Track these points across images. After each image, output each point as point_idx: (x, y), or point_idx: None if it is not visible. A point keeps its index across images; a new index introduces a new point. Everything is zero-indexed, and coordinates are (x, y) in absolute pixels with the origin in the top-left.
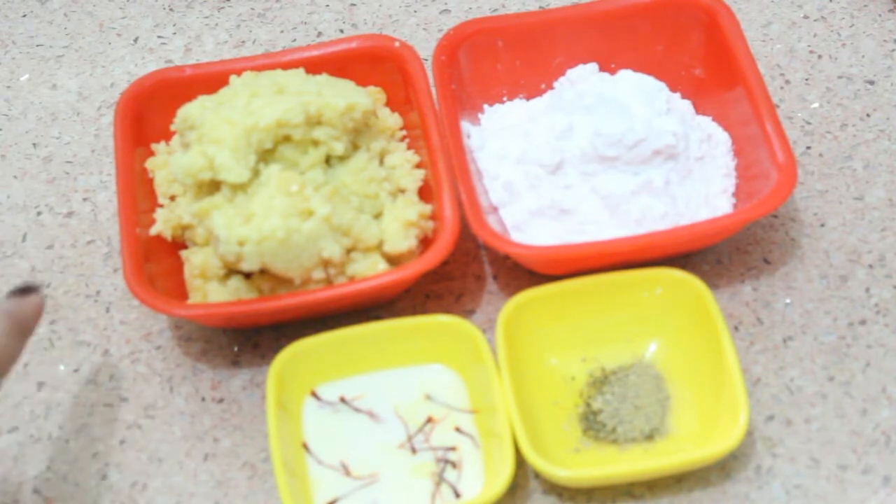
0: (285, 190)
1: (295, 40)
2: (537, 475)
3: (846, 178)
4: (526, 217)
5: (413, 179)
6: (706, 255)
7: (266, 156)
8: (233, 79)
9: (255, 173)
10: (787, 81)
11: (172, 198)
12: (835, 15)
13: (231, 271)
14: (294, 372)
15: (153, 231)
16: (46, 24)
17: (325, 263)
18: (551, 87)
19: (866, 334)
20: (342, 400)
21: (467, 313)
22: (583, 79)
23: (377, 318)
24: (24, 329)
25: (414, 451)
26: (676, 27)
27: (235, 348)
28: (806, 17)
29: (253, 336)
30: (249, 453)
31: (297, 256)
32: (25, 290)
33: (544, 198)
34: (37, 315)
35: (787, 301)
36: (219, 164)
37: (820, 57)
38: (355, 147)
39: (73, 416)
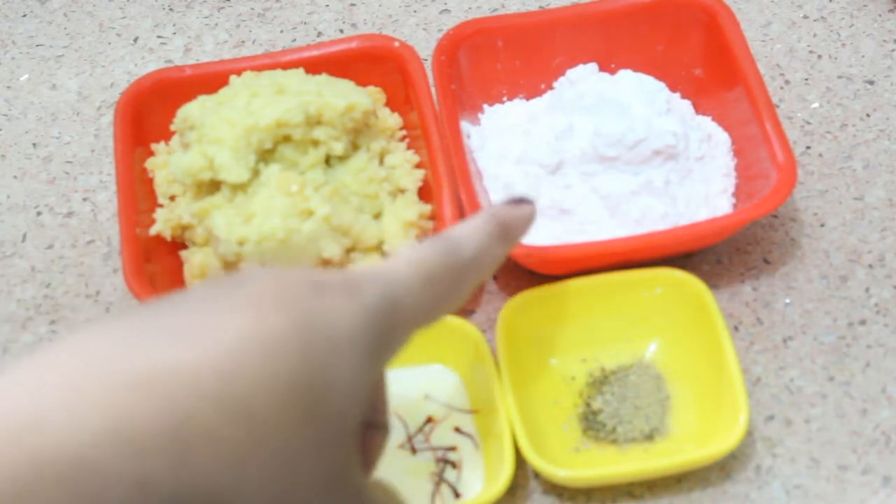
0: (285, 190)
1: (295, 40)
2: (537, 475)
3: (846, 178)
4: None
5: (413, 179)
6: (706, 255)
7: (266, 156)
8: (233, 79)
9: (255, 173)
10: (787, 81)
11: (172, 198)
12: (835, 15)
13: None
14: None
15: (153, 231)
16: (46, 24)
17: (325, 263)
18: (551, 87)
19: (866, 334)
20: None
21: (467, 313)
22: (583, 79)
23: None
24: (509, 236)
25: (414, 451)
26: (676, 27)
27: None
28: (806, 17)
29: None
30: None
31: (297, 256)
32: (520, 201)
33: (544, 198)
34: (525, 225)
35: (787, 301)
36: (219, 164)
37: (820, 57)
38: (355, 147)
39: None
